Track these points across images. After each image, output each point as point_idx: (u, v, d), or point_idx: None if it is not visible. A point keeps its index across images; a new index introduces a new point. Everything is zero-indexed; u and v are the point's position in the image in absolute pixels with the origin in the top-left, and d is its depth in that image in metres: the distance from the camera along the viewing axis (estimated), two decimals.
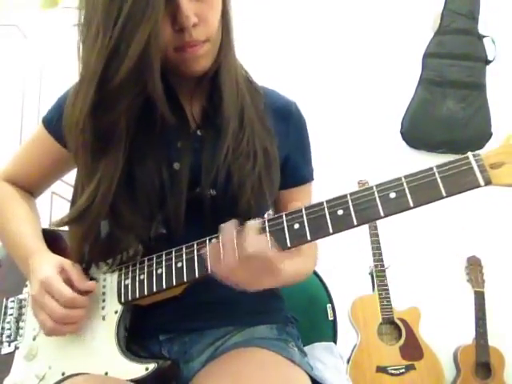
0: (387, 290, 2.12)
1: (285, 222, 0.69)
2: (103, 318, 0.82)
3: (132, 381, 0.76)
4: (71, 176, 0.91)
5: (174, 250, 0.78)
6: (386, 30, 2.53)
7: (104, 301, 0.83)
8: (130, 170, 0.79)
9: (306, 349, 0.96)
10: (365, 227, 2.19)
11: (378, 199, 0.64)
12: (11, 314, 0.92)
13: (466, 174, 0.61)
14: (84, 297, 0.79)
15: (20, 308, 0.92)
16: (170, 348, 0.87)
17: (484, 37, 2.45)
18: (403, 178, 0.64)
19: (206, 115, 0.86)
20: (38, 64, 2.62)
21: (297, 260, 0.71)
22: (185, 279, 0.75)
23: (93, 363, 0.80)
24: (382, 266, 2.15)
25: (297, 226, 0.68)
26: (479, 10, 2.46)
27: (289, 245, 0.68)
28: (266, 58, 2.38)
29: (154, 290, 0.78)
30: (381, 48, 2.52)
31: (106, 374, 0.78)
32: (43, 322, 0.78)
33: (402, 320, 2.12)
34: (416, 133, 2.48)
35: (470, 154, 0.62)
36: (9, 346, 0.90)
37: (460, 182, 0.61)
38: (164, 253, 0.79)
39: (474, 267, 2.34)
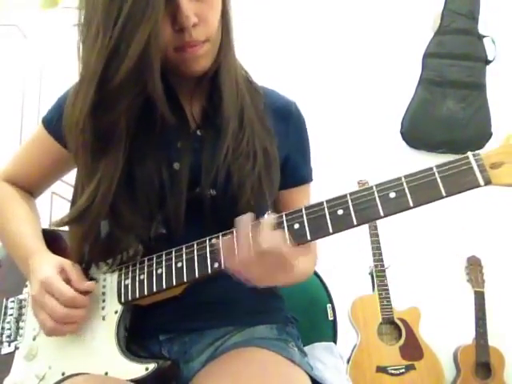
0: (387, 290, 2.12)
1: (285, 222, 0.69)
2: (103, 318, 0.82)
3: (132, 381, 0.76)
4: (71, 176, 0.91)
5: (174, 250, 0.78)
6: (386, 30, 2.53)
7: (104, 301, 0.83)
8: (130, 170, 0.79)
9: (306, 349, 0.96)
10: (365, 227, 2.19)
11: (377, 199, 0.64)
12: (11, 314, 0.92)
13: (465, 174, 0.61)
14: (84, 296, 0.79)
15: (20, 308, 0.92)
16: (170, 348, 0.87)
17: (484, 37, 2.45)
18: (403, 178, 0.64)
19: (205, 115, 0.87)
20: (38, 64, 2.62)
21: (305, 258, 0.71)
22: (185, 279, 0.75)
23: (93, 363, 0.80)
24: (382, 266, 2.15)
25: (297, 225, 0.68)
26: (479, 10, 2.46)
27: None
28: (266, 58, 2.38)
29: (154, 289, 0.78)
30: (381, 48, 2.52)
31: (106, 373, 0.78)
32: (43, 321, 0.78)
33: (402, 320, 2.12)
34: (416, 133, 2.48)
35: (469, 153, 0.62)
36: (9, 346, 0.90)
37: (460, 181, 0.61)
38: (164, 253, 0.79)
39: (474, 267, 2.34)
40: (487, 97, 2.44)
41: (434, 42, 2.48)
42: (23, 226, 0.92)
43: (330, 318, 1.15)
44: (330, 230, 0.66)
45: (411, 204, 0.63)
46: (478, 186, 0.61)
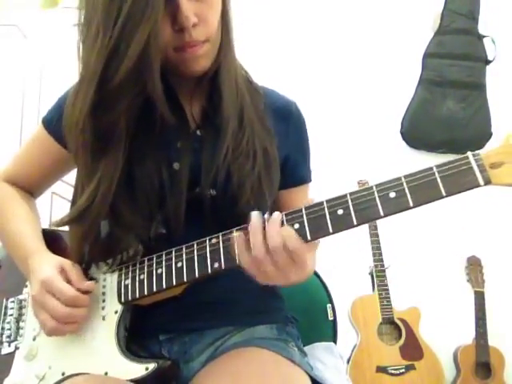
0: (387, 290, 2.12)
1: (285, 222, 0.69)
2: (103, 318, 0.82)
3: (132, 381, 0.76)
4: (71, 176, 0.91)
5: (173, 249, 0.78)
6: (386, 30, 2.53)
7: (104, 301, 0.83)
8: (130, 170, 0.79)
9: (306, 349, 0.96)
10: (365, 227, 2.19)
11: (377, 199, 0.64)
12: (11, 315, 0.92)
13: (465, 174, 0.61)
14: (85, 295, 0.79)
15: (20, 308, 0.92)
16: (169, 348, 0.87)
17: (484, 37, 2.45)
18: (403, 178, 0.64)
19: (205, 115, 0.87)
20: (38, 64, 2.62)
21: (311, 255, 0.71)
22: (185, 279, 0.75)
23: (93, 363, 0.80)
24: (382, 266, 2.15)
25: (297, 225, 0.68)
26: (479, 10, 2.46)
27: None
28: (266, 58, 2.38)
29: (154, 289, 0.78)
30: (381, 48, 2.52)
31: (106, 373, 0.78)
32: (44, 321, 0.78)
33: (402, 320, 2.12)
34: (416, 133, 2.48)
35: (469, 153, 0.62)
36: (9, 346, 0.90)
37: (460, 181, 0.61)
38: (164, 253, 0.79)
39: (474, 267, 2.34)
40: (487, 97, 2.44)
41: (434, 42, 2.48)
42: (23, 226, 0.92)
43: (330, 318, 1.15)
44: (330, 230, 0.66)
45: (411, 204, 0.63)
46: (478, 185, 0.61)
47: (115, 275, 0.84)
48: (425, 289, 2.32)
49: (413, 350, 2.08)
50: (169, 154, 0.82)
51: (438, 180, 0.62)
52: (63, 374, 0.81)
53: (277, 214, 0.69)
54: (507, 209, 2.36)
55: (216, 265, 0.72)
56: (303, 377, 0.80)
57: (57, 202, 2.12)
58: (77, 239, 0.82)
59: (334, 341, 1.13)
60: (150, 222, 0.81)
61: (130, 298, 0.81)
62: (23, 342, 0.89)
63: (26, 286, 0.94)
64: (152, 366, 0.76)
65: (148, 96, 0.74)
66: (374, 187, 0.65)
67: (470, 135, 2.42)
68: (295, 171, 0.96)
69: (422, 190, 0.63)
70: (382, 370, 2.03)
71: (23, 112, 2.57)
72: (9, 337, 0.90)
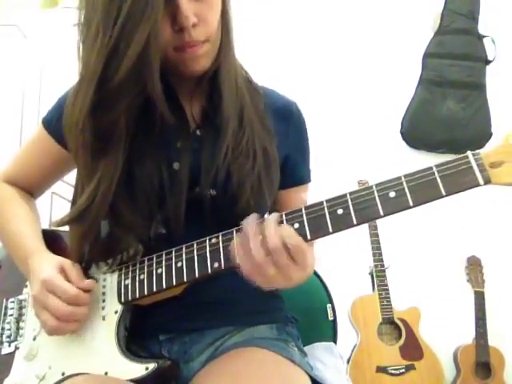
0: (387, 290, 2.12)
1: (285, 222, 0.68)
2: (103, 318, 0.82)
3: (132, 381, 0.76)
4: (71, 176, 0.91)
5: (173, 249, 0.78)
6: (386, 30, 2.53)
7: (104, 301, 0.83)
8: (130, 170, 0.79)
9: (306, 349, 0.96)
10: (365, 227, 2.19)
11: (377, 198, 0.64)
12: (11, 315, 0.92)
13: (465, 174, 0.61)
14: (86, 294, 0.80)
15: (20, 308, 0.92)
16: (169, 348, 0.87)
17: (484, 37, 2.45)
18: (403, 178, 0.64)
19: (205, 115, 0.87)
20: (38, 64, 2.62)
21: (311, 254, 0.71)
22: (185, 279, 0.75)
23: (93, 363, 0.80)
24: (382, 266, 2.15)
25: (297, 225, 0.68)
26: (479, 10, 2.46)
27: None
28: (266, 58, 2.38)
29: (154, 289, 0.78)
30: (381, 48, 2.52)
31: (106, 373, 0.78)
32: (46, 321, 0.78)
33: (402, 320, 2.12)
34: (416, 133, 2.48)
35: (469, 153, 0.62)
36: (9, 346, 0.90)
37: (459, 181, 0.61)
38: (164, 253, 0.79)
39: (474, 267, 2.34)
40: (487, 97, 2.44)
41: (434, 42, 2.48)
42: (23, 227, 0.92)
43: (330, 318, 1.15)
44: (330, 230, 0.66)
45: (411, 203, 0.63)
46: (478, 185, 0.61)
47: (115, 275, 0.84)
48: (425, 289, 2.32)
49: (413, 349, 2.08)
50: (169, 154, 0.82)
51: (438, 179, 0.62)
52: (63, 374, 0.81)
53: (273, 215, 0.68)
54: (507, 209, 2.36)
55: (216, 265, 0.72)
56: (303, 377, 0.80)
57: (57, 202, 2.12)
58: (77, 239, 0.82)
59: (334, 341, 1.13)
60: (149, 222, 0.81)
61: (129, 297, 0.81)
62: (23, 342, 0.89)
63: (26, 286, 0.94)
64: (152, 365, 0.76)
65: (148, 96, 0.74)
66: (374, 187, 0.65)
67: (470, 135, 2.42)
68: (295, 171, 0.96)
69: (422, 189, 0.63)
70: (382, 370, 2.03)
71: (23, 112, 2.57)
72: (9, 337, 0.91)
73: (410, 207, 0.63)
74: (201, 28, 0.74)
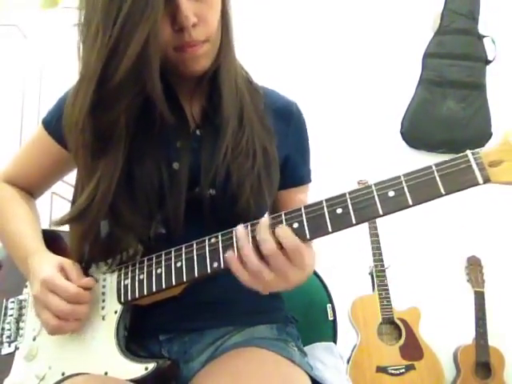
0: (387, 290, 2.12)
1: (284, 222, 0.68)
2: (103, 318, 0.82)
3: (132, 381, 0.76)
4: (71, 176, 0.91)
5: (173, 249, 0.78)
6: (386, 30, 2.53)
7: (104, 301, 0.83)
8: (130, 170, 0.79)
9: (306, 349, 0.96)
10: (365, 227, 2.19)
11: (376, 198, 0.64)
12: (11, 315, 0.92)
13: (464, 172, 0.61)
14: (87, 292, 0.80)
15: (20, 309, 0.92)
16: (169, 348, 0.87)
17: (484, 37, 2.45)
18: (402, 177, 0.64)
19: (205, 115, 0.87)
20: (38, 64, 2.62)
21: (311, 254, 0.70)
22: (184, 279, 0.75)
23: (92, 363, 0.80)
24: (382, 266, 2.15)
25: (296, 225, 0.68)
26: (479, 10, 2.46)
27: None
28: (266, 58, 2.38)
29: (154, 289, 0.78)
30: (381, 48, 2.52)
31: (106, 373, 0.78)
32: (47, 320, 0.78)
33: (402, 320, 2.12)
34: (416, 133, 2.48)
35: (468, 152, 0.62)
36: (9, 346, 0.90)
37: (459, 180, 0.61)
38: (163, 252, 0.79)
39: (474, 267, 2.34)
40: (487, 97, 2.44)
41: (434, 42, 2.48)
42: (23, 227, 0.92)
43: (330, 318, 1.15)
44: (329, 229, 0.66)
45: (410, 202, 0.63)
46: (477, 184, 0.61)
47: (115, 275, 0.84)
48: (425, 289, 2.32)
49: (413, 349, 2.08)
50: (168, 154, 0.82)
51: (437, 178, 0.62)
52: (63, 374, 0.81)
53: (264, 219, 0.68)
54: (507, 208, 2.37)
55: (215, 264, 0.72)
56: (303, 377, 0.80)
57: (57, 202, 2.12)
58: (77, 238, 0.82)
59: (334, 341, 1.13)
60: (149, 222, 0.81)
61: (129, 297, 0.80)
62: (23, 343, 0.89)
63: (26, 287, 0.94)
64: (152, 365, 0.76)
65: (148, 95, 0.74)
66: (373, 186, 0.65)
67: (470, 135, 2.42)
68: (295, 171, 0.96)
69: (421, 188, 0.63)
70: (382, 370, 2.03)
71: (23, 112, 2.57)
72: (9, 337, 0.91)
73: (409, 206, 0.63)
74: (201, 28, 0.74)
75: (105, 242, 0.81)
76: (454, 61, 2.45)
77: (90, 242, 0.81)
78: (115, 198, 0.77)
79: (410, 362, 2.06)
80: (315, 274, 1.17)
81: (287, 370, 0.80)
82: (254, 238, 0.68)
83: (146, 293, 0.79)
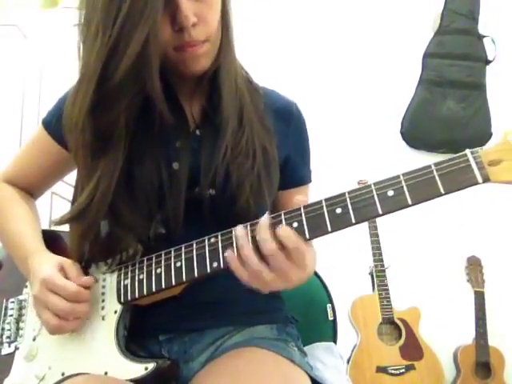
0: (387, 290, 2.12)
1: (283, 221, 0.68)
2: (103, 318, 0.82)
3: (131, 380, 0.76)
4: (71, 176, 0.92)
5: (173, 249, 0.78)
6: (386, 30, 2.53)
7: (103, 301, 0.83)
8: (130, 169, 0.79)
9: (306, 349, 0.96)
10: (365, 227, 2.19)
11: (376, 197, 0.64)
12: (11, 315, 0.92)
13: (464, 172, 0.61)
14: (87, 290, 0.80)
15: (20, 309, 0.92)
16: (169, 348, 0.87)
17: (484, 37, 2.45)
18: (401, 176, 0.64)
19: (205, 115, 0.87)
20: (38, 64, 2.62)
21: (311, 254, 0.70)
22: (184, 279, 0.75)
23: (92, 363, 0.80)
24: (382, 265, 2.15)
25: (295, 224, 0.67)
26: (479, 10, 2.46)
27: None
28: (266, 58, 2.38)
29: (153, 289, 0.78)
30: (381, 48, 2.52)
31: (106, 373, 0.78)
32: (47, 320, 0.78)
33: (402, 320, 2.12)
34: (416, 133, 2.48)
35: (467, 151, 0.62)
36: (9, 346, 0.90)
37: (458, 179, 0.61)
38: (163, 252, 0.79)
39: (474, 267, 2.34)
40: (487, 97, 2.44)
41: (434, 42, 2.48)
42: (23, 227, 0.92)
43: (330, 318, 1.15)
44: (329, 229, 0.66)
45: (409, 202, 0.63)
46: (477, 183, 0.61)
47: (114, 275, 0.84)
48: (425, 289, 2.32)
49: (413, 350, 2.08)
50: (168, 154, 0.82)
51: (437, 178, 0.62)
52: (63, 374, 0.81)
53: (264, 219, 0.68)
54: (507, 208, 2.36)
55: (215, 264, 0.72)
56: (303, 377, 0.80)
57: (57, 202, 2.13)
58: (77, 238, 0.82)
59: (334, 341, 1.13)
60: (149, 222, 0.81)
61: (129, 297, 0.80)
62: (23, 343, 0.89)
63: (26, 287, 0.94)
64: (151, 365, 0.76)
65: (147, 95, 0.74)
66: (373, 185, 0.65)
67: (470, 135, 2.42)
68: (295, 172, 0.96)
69: (421, 187, 0.62)
70: (382, 370, 2.03)
71: (23, 112, 2.57)
72: (9, 337, 0.91)
73: (409, 206, 0.63)
74: (201, 28, 0.74)
75: (104, 241, 0.81)
76: (454, 61, 2.45)
77: (89, 242, 0.81)
78: (115, 198, 0.77)
79: (409, 362, 2.06)
80: (315, 273, 1.16)
81: (287, 370, 0.80)
82: (253, 237, 0.68)
83: (145, 293, 0.79)
